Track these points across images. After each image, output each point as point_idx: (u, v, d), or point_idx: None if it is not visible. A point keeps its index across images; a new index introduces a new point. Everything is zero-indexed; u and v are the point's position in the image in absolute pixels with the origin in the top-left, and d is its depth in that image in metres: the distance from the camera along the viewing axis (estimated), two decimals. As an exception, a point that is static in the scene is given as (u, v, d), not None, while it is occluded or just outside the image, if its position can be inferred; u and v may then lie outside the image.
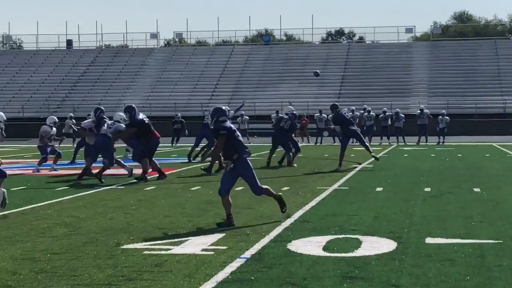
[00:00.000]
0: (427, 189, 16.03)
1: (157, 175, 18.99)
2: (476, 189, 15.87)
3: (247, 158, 11.31)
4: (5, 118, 15.27)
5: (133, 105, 19.70)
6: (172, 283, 7.29)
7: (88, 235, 10.23)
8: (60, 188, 16.83)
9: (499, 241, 9.48)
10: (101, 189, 16.61)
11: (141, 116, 19.10)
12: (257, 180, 11.40)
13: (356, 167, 22.51)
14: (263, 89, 63.41)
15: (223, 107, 11.86)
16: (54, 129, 22.53)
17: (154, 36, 77.42)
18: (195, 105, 58.95)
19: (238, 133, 11.36)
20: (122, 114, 19.38)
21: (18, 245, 9.49)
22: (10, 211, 12.54)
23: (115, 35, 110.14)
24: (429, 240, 9.63)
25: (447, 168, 21.96)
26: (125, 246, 9.30)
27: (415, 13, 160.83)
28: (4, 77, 69.32)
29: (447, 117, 40.82)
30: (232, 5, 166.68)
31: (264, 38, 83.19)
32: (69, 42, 77.64)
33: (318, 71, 26.10)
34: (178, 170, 21.92)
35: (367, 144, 24.16)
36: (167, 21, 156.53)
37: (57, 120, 23.19)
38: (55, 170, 21.89)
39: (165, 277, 7.54)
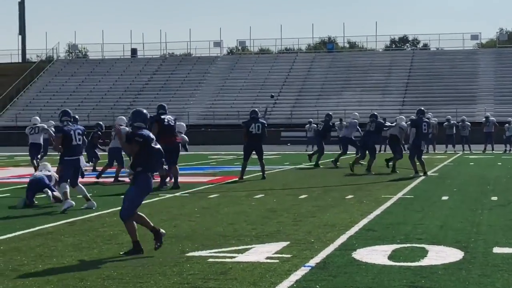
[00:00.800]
0: (494, 198, 15.79)
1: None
2: (545, 198, 15.59)
3: (151, 177, 9.77)
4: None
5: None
6: (237, 291, 7.32)
7: (153, 242, 10.30)
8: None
9: None
10: (166, 196, 16.74)
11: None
12: (134, 206, 9.52)
13: (421, 175, 22.27)
14: (326, 97, 63.29)
15: (144, 111, 10.09)
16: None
17: (217, 44, 77.99)
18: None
19: (156, 144, 9.77)
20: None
21: (85, 251, 9.63)
22: (77, 218, 12.75)
23: (178, 44, 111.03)
24: (496, 249, 9.48)
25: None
26: (190, 254, 9.35)
27: (481, 20, 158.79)
28: (71, 85, 70.64)
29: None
30: (295, 13, 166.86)
31: (327, 45, 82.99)
32: (134, 51, 78.72)
33: (273, 94, 25.41)
34: (238, 179, 21.96)
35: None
36: (230, 29, 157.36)
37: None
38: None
39: (230, 285, 7.56)
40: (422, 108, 23.69)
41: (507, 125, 40.06)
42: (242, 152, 21.97)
